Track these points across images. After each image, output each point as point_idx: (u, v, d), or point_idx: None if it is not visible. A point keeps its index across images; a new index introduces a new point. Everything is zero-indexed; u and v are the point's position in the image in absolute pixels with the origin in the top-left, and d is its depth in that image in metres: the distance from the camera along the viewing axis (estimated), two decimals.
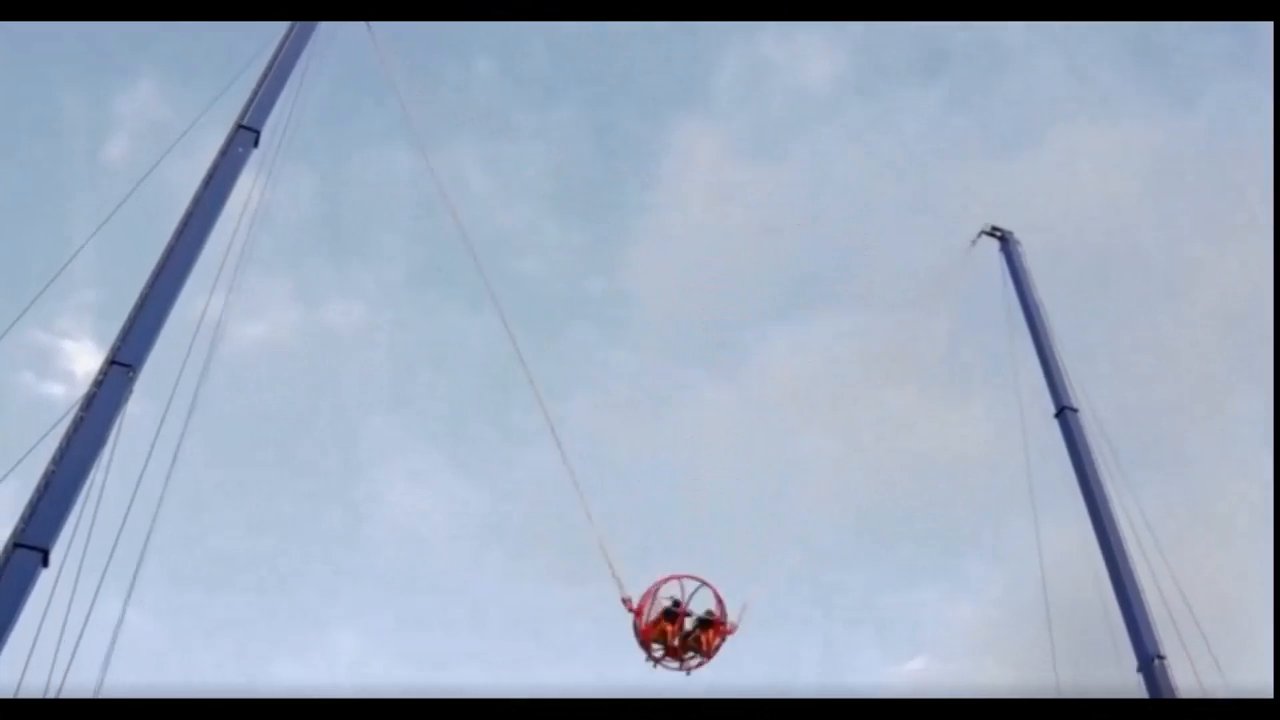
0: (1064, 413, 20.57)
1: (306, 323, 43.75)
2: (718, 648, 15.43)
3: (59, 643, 10.93)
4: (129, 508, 12.28)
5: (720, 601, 15.51)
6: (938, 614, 39.65)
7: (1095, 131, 44.89)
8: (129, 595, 12.40)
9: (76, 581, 11.25)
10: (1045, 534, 19.90)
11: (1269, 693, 15.38)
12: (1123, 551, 18.41)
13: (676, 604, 15.44)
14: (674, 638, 15.32)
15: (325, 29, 18.30)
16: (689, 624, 15.40)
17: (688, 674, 15.52)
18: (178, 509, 13.09)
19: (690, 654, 15.44)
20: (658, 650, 15.40)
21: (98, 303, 35.47)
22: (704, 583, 15.49)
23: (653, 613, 15.37)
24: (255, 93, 16.47)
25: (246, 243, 15.27)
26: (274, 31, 17.75)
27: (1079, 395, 20.89)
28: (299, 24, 17.72)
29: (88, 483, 11.68)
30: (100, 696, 11.37)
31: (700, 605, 15.49)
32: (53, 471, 11.54)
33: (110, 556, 11.81)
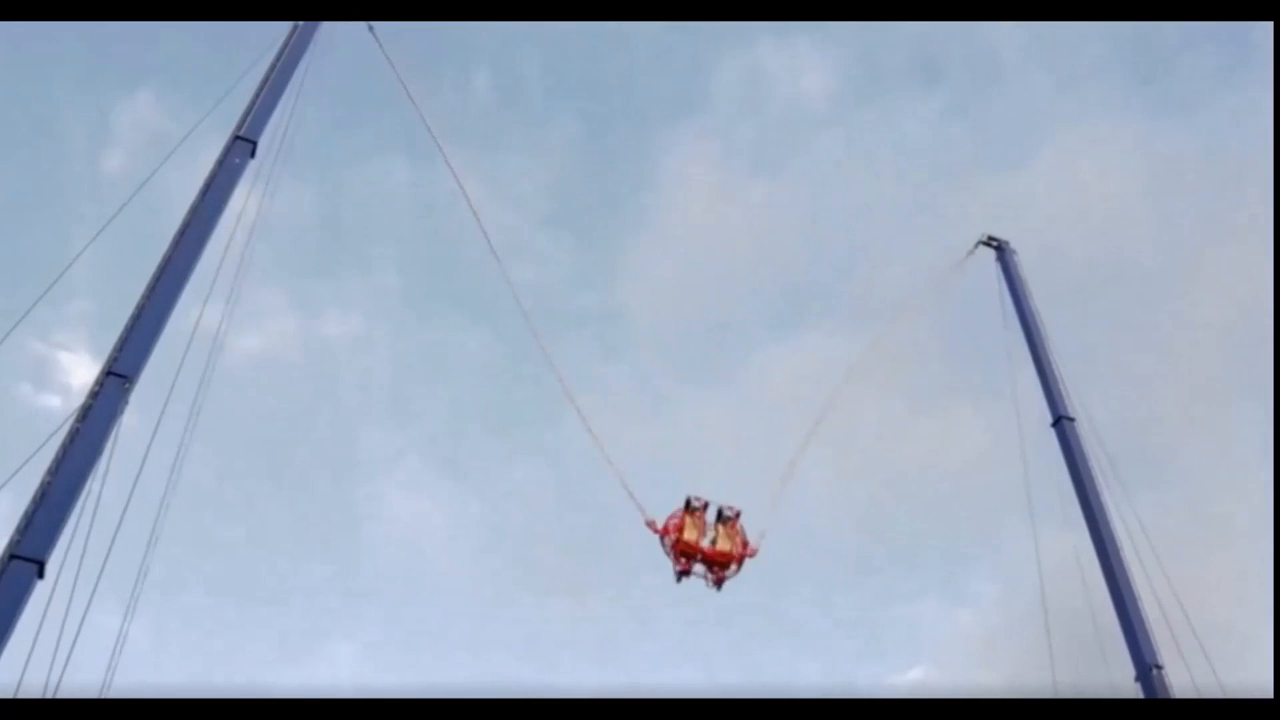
0: (1061, 422, 20.55)
1: (304, 333, 43.80)
2: (740, 558, 16.62)
3: (54, 653, 10.91)
4: (120, 519, 12.24)
5: (738, 514, 16.86)
6: (936, 622, 39.68)
7: (1091, 141, 45.04)
8: (133, 607, 12.42)
9: (73, 592, 11.23)
10: (1043, 543, 19.89)
11: (1269, 693, 15.40)
12: (1120, 560, 18.39)
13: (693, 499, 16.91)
14: (699, 538, 16.47)
15: (322, 39, 18.31)
16: (709, 517, 16.77)
17: (719, 588, 16.74)
18: (174, 517, 13.05)
19: (717, 566, 16.61)
20: (688, 562, 16.64)
21: (95, 313, 35.52)
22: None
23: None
24: (252, 104, 16.48)
25: (245, 253, 15.28)
26: (271, 41, 17.79)
27: (1076, 404, 20.89)
28: (296, 34, 17.74)
29: (84, 494, 11.66)
30: (99, 697, 11.37)
31: None
32: (48, 483, 11.49)
33: (103, 568, 11.76)
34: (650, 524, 16.85)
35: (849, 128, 49.80)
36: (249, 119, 16.21)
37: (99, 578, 11.69)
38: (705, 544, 16.74)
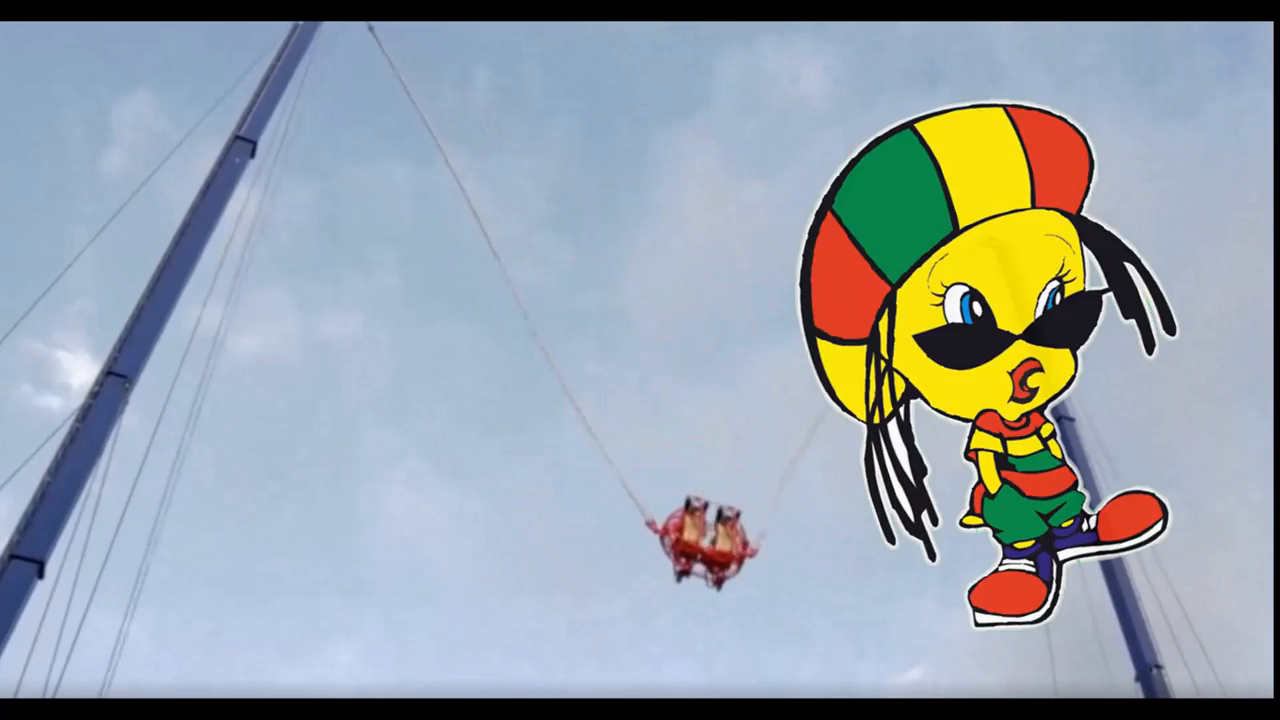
0: (1060, 422, 20.49)
1: (303, 334, 43.83)
2: (740, 559, 16.68)
3: (54, 654, 10.93)
4: (120, 519, 12.25)
5: (738, 514, 16.91)
6: (935, 623, 39.66)
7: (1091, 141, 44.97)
8: (133, 607, 12.43)
9: (73, 591, 11.24)
10: None
11: (1269, 693, 15.38)
12: (1120, 560, 18.38)
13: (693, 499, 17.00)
14: (699, 537, 16.62)
15: (322, 40, 18.34)
16: (709, 518, 16.89)
17: (719, 588, 16.82)
18: (173, 518, 13.06)
19: (717, 566, 16.65)
20: (688, 562, 16.72)
21: (94, 313, 35.55)
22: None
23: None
24: (252, 104, 16.50)
25: (245, 253, 15.30)
26: (271, 41, 17.82)
27: (1075, 404, 20.86)
28: (296, 33, 17.75)
29: (84, 493, 11.67)
30: (99, 697, 11.38)
31: None
32: (48, 483, 11.51)
33: (102, 568, 11.76)
34: (650, 524, 16.89)
35: (848, 127, 49.86)
36: (249, 119, 16.24)
37: (99, 577, 11.71)
38: (705, 544, 16.69)
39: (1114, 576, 18.23)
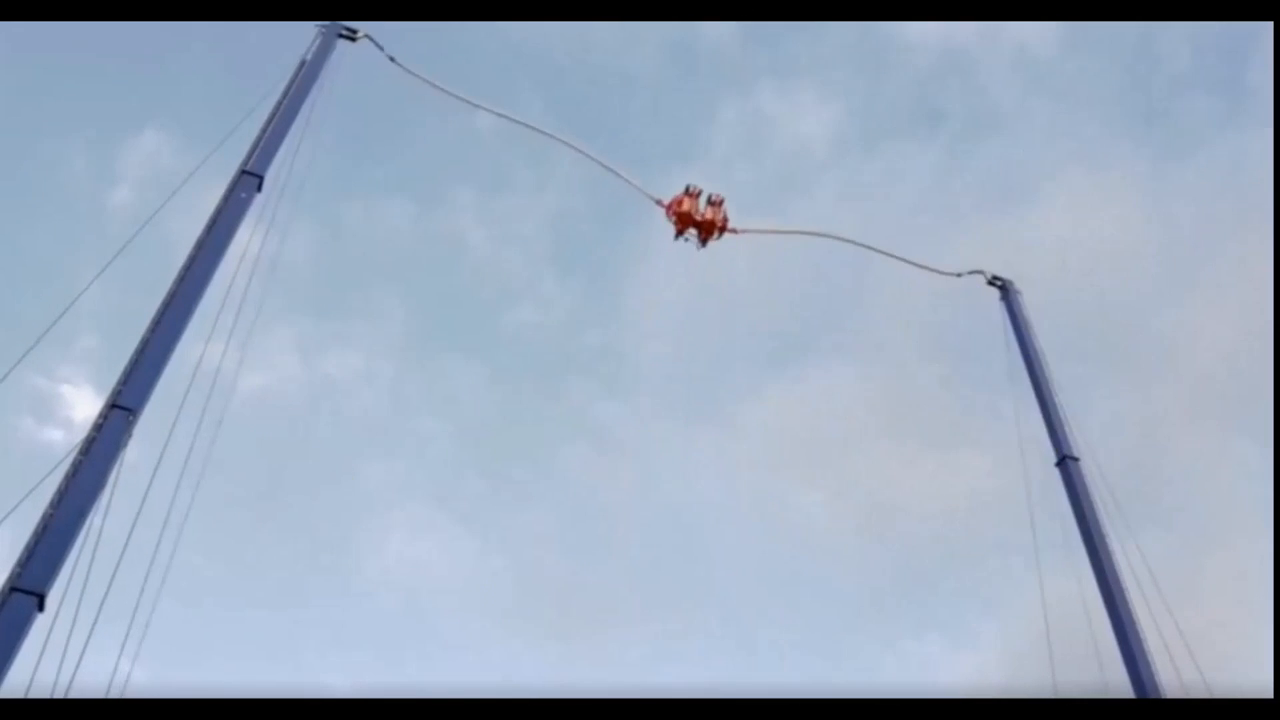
0: (1065, 461, 20.46)
1: (305, 373, 43.81)
2: (721, 227, 22.83)
3: (52, 689, 10.81)
4: (119, 560, 12.12)
5: (723, 200, 22.96)
6: (941, 664, 39.41)
7: (1089, 187, 45.36)
8: (128, 644, 12.30)
9: (72, 627, 11.13)
10: (1049, 583, 19.76)
11: (1269, 693, 15.28)
12: (1124, 598, 18.26)
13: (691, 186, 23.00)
14: (694, 211, 22.73)
15: (329, 76, 18.49)
16: (702, 202, 22.87)
17: (704, 245, 23.02)
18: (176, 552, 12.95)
19: (703, 230, 22.83)
20: (689, 233, 22.88)
21: (99, 349, 35.54)
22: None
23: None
24: (259, 139, 16.58)
25: (251, 289, 15.29)
26: (279, 76, 17.96)
27: (1080, 443, 20.83)
28: (304, 69, 17.91)
29: (85, 527, 11.56)
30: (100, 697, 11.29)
31: None
32: (51, 515, 11.39)
33: (102, 603, 11.67)
34: (659, 201, 23.08)
35: (848, 170, 50.15)
36: (255, 154, 16.30)
37: (98, 612, 11.60)
38: (697, 216, 22.74)
39: (1119, 616, 18.10)
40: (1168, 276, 45.07)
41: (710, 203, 22.97)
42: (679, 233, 23.02)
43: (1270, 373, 24.74)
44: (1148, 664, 17.39)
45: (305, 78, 18.19)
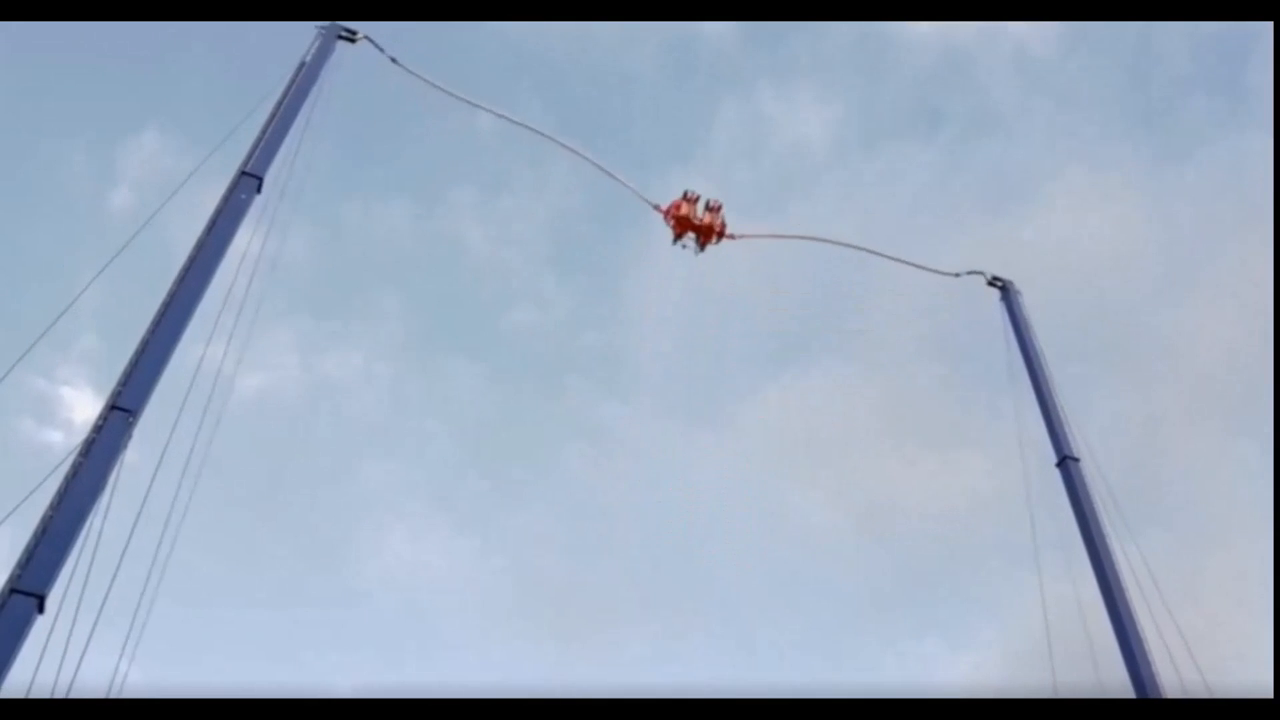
0: (1065, 462, 20.45)
1: (305, 373, 43.79)
2: (720, 232, 22.83)
3: (52, 689, 10.81)
4: (120, 558, 12.13)
5: (720, 205, 23.01)
6: (941, 664, 39.39)
7: (1089, 188, 45.36)
8: (127, 645, 12.29)
9: (72, 628, 11.13)
10: (1048, 585, 19.75)
11: (1269, 693, 15.27)
12: (1125, 600, 18.25)
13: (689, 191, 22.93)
14: (692, 216, 22.68)
15: (329, 77, 18.49)
16: (700, 207, 22.87)
17: (702, 250, 23.00)
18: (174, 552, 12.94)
19: (701, 235, 22.85)
20: (686, 237, 22.89)
21: (98, 350, 35.53)
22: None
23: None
24: (259, 140, 16.58)
25: (252, 290, 15.27)
26: (278, 78, 17.95)
27: (1080, 444, 20.81)
28: (303, 71, 17.90)
29: (85, 528, 11.56)
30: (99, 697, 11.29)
31: None
32: (50, 517, 11.38)
33: (102, 605, 11.66)
34: (656, 206, 23.07)
35: (848, 171, 50.15)
36: (255, 155, 16.30)
37: (99, 613, 11.60)
38: (695, 220, 22.75)
39: (1119, 618, 18.09)
40: (1168, 276, 45.13)
41: (708, 208, 22.99)
42: (677, 237, 23.07)
43: (1270, 373, 24.86)
44: (1148, 664, 17.39)
45: (305, 78, 18.21)
